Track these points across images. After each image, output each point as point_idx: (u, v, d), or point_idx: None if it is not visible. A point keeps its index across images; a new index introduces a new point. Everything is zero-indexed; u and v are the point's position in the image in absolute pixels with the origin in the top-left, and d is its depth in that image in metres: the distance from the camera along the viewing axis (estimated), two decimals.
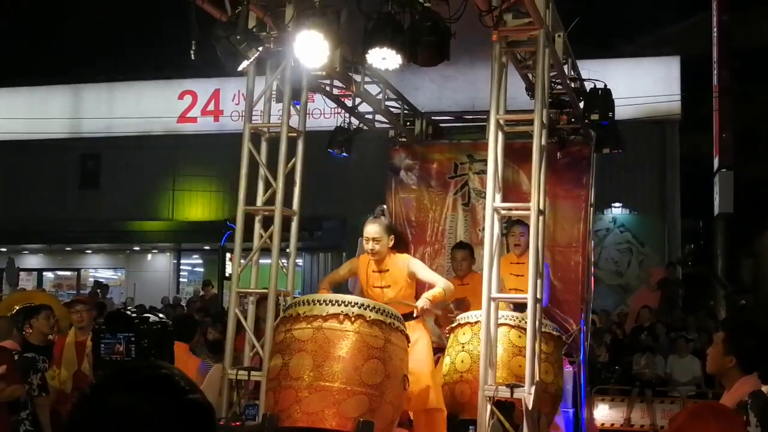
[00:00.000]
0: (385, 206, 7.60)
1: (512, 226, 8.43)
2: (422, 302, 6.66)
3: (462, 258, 8.60)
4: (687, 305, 18.12)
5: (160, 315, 1.98)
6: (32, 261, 25.63)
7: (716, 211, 19.36)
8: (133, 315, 2.05)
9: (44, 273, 25.88)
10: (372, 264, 7.01)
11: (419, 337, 6.77)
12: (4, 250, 24.49)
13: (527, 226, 7.52)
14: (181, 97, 23.52)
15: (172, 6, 7.29)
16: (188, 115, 23.48)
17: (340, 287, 8.70)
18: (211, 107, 23.39)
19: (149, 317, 2.05)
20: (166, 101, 23.39)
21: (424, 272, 7.05)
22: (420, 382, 6.52)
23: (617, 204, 19.96)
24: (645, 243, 19.72)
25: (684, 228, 20.89)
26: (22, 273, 23.68)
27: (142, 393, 1.70)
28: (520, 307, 7.19)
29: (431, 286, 6.97)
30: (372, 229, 6.91)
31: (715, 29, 19.68)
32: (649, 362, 13.75)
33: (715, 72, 19.49)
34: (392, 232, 7.04)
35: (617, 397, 13.73)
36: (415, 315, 6.74)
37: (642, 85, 19.17)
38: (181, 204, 22.92)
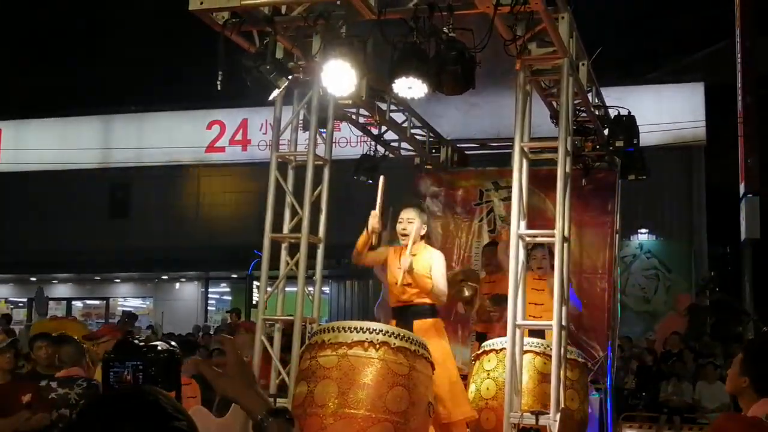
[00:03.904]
0: (421, 201, 7.66)
1: (534, 248, 8.28)
2: (407, 263, 6.67)
3: (491, 254, 8.96)
4: (715, 332, 17.97)
5: (173, 343, 2.02)
6: (61, 290, 25.86)
7: (743, 236, 19.25)
8: (141, 343, 2.10)
9: (73, 302, 26.09)
10: (403, 248, 7.05)
11: (441, 349, 6.73)
12: (33, 279, 24.74)
13: (550, 249, 7.55)
14: (209, 127, 23.75)
15: (201, 37, 7.42)
16: (216, 144, 23.71)
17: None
18: (239, 137, 23.60)
19: (157, 345, 2.10)
20: (194, 131, 23.63)
21: (436, 267, 6.96)
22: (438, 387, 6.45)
23: (644, 230, 19.89)
24: (672, 269, 19.61)
25: (711, 254, 20.77)
26: (51, 302, 23.90)
27: (128, 420, 1.72)
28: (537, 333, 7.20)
29: None
30: (407, 210, 7.04)
31: (739, 55, 19.65)
32: (676, 389, 13.64)
33: (740, 98, 19.44)
34: (426, 221, 7.11)
35: (645, 424, 13.59)
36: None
37: (667, 112, 19.18)
38: (209, 232, 23.07)
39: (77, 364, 7.52)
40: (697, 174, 20.39)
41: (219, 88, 6.33)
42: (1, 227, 24.31)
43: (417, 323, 6.84)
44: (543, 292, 7.74)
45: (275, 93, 6.46)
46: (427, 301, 6.98)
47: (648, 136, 15.08)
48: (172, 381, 2.17)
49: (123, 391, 1.93)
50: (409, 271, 6.77)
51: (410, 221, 6.99)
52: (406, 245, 6.98)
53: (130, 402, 1.78)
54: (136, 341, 2.22)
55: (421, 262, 6.96)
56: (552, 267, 7.03)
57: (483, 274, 9.11)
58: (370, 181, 9.97)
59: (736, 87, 19.72)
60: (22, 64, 28.87)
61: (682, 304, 19.01)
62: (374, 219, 7.04)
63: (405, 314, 6.91)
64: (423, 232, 7.07)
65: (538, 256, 8.20)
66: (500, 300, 7.95)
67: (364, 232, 7.15)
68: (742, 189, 19.37)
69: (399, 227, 7.04)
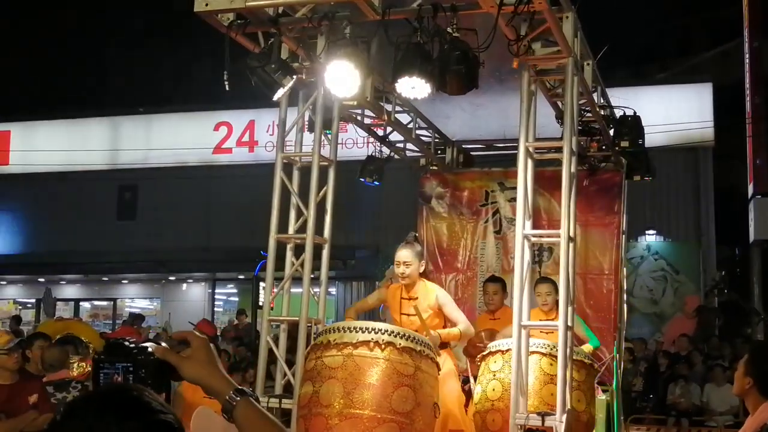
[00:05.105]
0: (416, 233, 7.66)
1: (538, 284, 8.16)
2: (434, 335, 6.70)
3: (494, 292, 8.59)
4: (724, 333, 17.91)
5: (163, 344, 2.02)
6: (69, 291, 25.90)
7: (752, 237, 19.20)
8: (132, 345, 2.10)
9: (81, 303, 26.13)
10: (403, 291, 7.10)
11: (443, 361, 6.82)
12: (41, 280, 24.78)
13: (554, 283, 7.53)
14: (216, 128, 23.78)
15: (207, 39, 7.43)
16: (224, 146, 23.74)
17: (373, 316, 8.78)
18: (246, 138, 23.63)
19: (147, 347, 2.10)
20: (201, 132, 23.66)
21: (449, 308, 7.10)
22: (445, 407, 6.52)
23: (651, 231, 19.82)
24: (680, 270, 19.54)
25: (719, 255, 20.68)
26: (59, 303, 23.95)
27: (112, 415, 1.72)
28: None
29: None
30: (403, 253, 7.04)
31: (747, 55, 19.61)
32: (684, 391, 13.58)
33: (748, 98, 19.40)
34: (423, 258, 7.18)
35: (653, 427, 13.56)
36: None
37: (675, 112, 19.11)
38: (217, 234, 23.10)
39: (65, 366, 7.54)
40: (705, 175, 20.29)
41: (227, 88, 6.34)
42: (10, 228, 24.38)
43: None
44: (549, 335, 7.29)
45: (280, 92, 6.46)
46: None
47: (656, 137, 15.07)
48: (163, 383, 2.17)
49: (107, 388, 1.93)
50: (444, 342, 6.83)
51: (407, 264, 7.02)
52: (406, 285, 7.09)
53: (115, 397, 1.78)
54: (126, 343, 2.22)
55: (426, 303, 7.05)
56: (557, 303, 7.04)
57: (484, 310, 8.83)
58: (376, 183, 9.97)
59: (745, 87, 19.68)
60: (30, 66, 28.97)
61: (691, 305, 18.95)
62: None
63: None
64: (422, 270, 7.10)
65: (542, 291, 8.05)
66: (492, 336, 7.87)
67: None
68: (750, 190, 19.32)
69: (397, 270, 7.09)
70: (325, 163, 7.21)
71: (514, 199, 8.73)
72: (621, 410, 9.58)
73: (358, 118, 8.57)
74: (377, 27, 5.97)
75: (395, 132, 9.27)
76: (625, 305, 9.98)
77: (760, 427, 3.85)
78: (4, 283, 26.47)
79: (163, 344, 2.24)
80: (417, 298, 7.05)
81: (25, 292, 26.62)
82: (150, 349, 2.18)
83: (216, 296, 25.40)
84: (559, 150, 6.70)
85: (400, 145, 9.86)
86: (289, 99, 7.14)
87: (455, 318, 7.04)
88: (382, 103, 8.17)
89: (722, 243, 20.86)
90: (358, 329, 5.74)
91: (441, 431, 6.57)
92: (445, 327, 7.19)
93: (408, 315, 7.04)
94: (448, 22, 5.86)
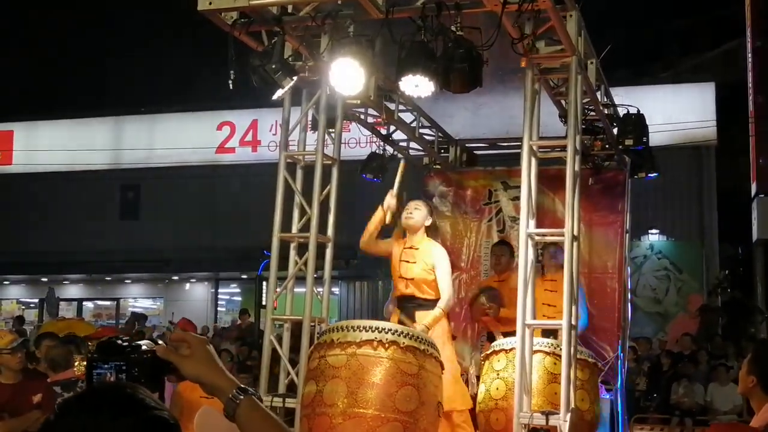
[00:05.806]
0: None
1: (545, 248, 8.55)
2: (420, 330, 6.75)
3: (501, 253, 8.88)
4: (727, 332, 17.89)
5: (160, 341, 2.00)
6: (72, 291, 25.93)
7: (755, 237, 19.18)
8: (124, 344, 2.09)
9: (84, 303, 26.15)
10: (407, 239, 7.27)
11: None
12: (44, 280, 24.81)
13: (559, 247, 7.61)
14: (219, 128, 23.80)
15: (211, 38, 7.42)
16: (227, 145, 23.77)
17: (377, 316, 8.79)
18: (249, 138, 23.65)
19: (140, 345, 2.08)
20: (205, 132, 23.68)
21: (440, 272, 7.17)
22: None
23: (654, 231, 19.81)
24: (683, 270, 19.52)
25: (722, 254, 20.67)
26: (62, 303, 23.99)
27: (106, 413, 1.71)
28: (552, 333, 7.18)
29: None
30: (414, 202, 7.38)
31: (749, 55, 19.60)
32: (687, 391, 13.55)
33: (751, 97, 19.39)
34: (432, 216, 7.39)
35: (656, 426, 13.53)
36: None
37: (678, 111, 19.09)
38: (220, 233, 23.11)
39: (69, 366, 7.53)
40: (708, 174, 20.28)
41: (231, 87, 6.33)
42: (13, 228, 24.41)
43: (419, 314, 7.04)
44: (556, 293, 7.65)
45: (280, 92, 6.46)
46: (430, 296, 7.06)
47: (658, 136, 15.05)
48: (156, 382, 2.15)
49: (101, 386, 1.92)
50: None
51: (417, 208, 7.27)
52: (409, 233, 7.22)
53: (109, 395, 1.78)
54: (119, 341, 2.20)
55: (423, 257, 7.15)
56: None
57: (492, 274, 9.13)
58: (377, 180, 9.96)
59: (747, 87, 19.67)
60: (31, 66, 28.99)
61: (694, 304, 18.93)
62: (390, 197, 7.35)
63: (408, 305, 7.19)
64: (428, 223, 7.19)
65: (547, 254, 8.40)
66: (494, 296, 8.00)
67: (379, 209, 7.34)
68: (753, 189, 19.31)
69: (405, 213, 7.28)
70: (329, 162, 7.20)
71: (517, 198, 8.71)
72: (625, 409, 9.57)
73: (362, 117, 8.55)
74: (381, 25, 5.96)
75: (398, 131, 9.26)
76: (629, 304, 9.96)
77: (765, 425, 3.83)
78: (7, 283, 26.52)
79: (161, 343, 2.22)
80: (419, 248, 7.18)
81: (28, 292, 26.66)
82: (144, 347, 2.16)
83: (219, 295, 25.43)
84: (563, 149, 6.70)
85: (404, 143, 9.85)
86: (292, 98, 7.15)
87: (441, 286, 7.12)
88: (385, 102, 8.15)
89: (725, 242, 20.85)
90: (361, 328, 5.72)
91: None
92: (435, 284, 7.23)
93: (407, 261, 7.18)
94: (452, 21, 5.84)
